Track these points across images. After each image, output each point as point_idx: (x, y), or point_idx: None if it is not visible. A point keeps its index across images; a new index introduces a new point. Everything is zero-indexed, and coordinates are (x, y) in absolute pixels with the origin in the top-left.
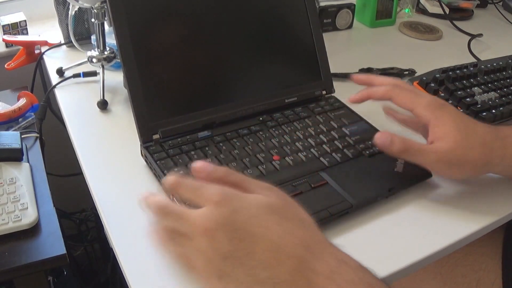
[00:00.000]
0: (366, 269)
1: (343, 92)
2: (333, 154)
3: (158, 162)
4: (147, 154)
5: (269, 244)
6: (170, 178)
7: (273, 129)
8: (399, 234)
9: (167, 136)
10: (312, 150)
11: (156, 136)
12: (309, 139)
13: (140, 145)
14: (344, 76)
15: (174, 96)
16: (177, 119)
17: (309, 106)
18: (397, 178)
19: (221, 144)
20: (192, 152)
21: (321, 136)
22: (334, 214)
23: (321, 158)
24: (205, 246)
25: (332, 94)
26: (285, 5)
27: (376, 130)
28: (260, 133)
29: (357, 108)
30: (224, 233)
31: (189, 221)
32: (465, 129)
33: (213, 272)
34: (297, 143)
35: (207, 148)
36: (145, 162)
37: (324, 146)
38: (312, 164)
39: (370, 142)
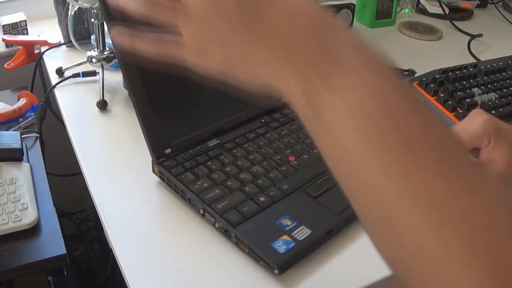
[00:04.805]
0: None
1: None
2: None
3: (178, 177)
4: (163, 170)
5: (285, 10)
6: None
7: (278, 129)
8: None
9: (178, 149)
10: None
11: (168, 151)
12: None
13: (152, 161)
14: None
15: (179, 108)
16: (184, 130)
17: None
18: None
19: (234, 151)
20: (209, 163)
21: None
22: None
23: None
24: (207, 13)
25: None
26: None
27: None
28: (268, 135)
29: None
30: None
31: None
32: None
33: (212, 40)
34: (306, 141)
35: (222, 157)
36: (159, 178)
37: None
38: None
39: None
